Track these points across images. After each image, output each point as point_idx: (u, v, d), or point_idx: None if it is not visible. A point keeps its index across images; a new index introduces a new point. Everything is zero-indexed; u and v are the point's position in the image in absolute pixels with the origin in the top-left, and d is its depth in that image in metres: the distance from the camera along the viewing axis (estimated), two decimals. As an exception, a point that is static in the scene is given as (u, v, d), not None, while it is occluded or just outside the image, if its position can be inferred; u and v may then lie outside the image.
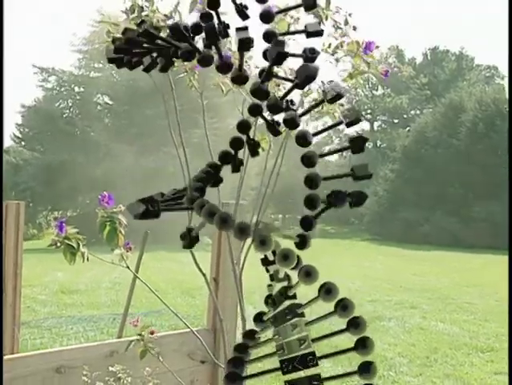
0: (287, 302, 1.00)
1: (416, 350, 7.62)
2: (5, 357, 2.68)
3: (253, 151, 1.02)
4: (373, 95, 51.78)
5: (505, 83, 50.51)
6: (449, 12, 75.28)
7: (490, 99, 35.61)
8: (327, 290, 0.96)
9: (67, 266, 2.39)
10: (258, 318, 1.03)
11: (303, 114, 1.00)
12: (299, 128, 0.97)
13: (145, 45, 0.97)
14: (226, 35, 0.97)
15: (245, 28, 0.94)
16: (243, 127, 0.99)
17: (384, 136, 48.90)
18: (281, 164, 2.28)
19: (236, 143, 0.99)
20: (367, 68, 2.35)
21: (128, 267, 2.38)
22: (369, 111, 51.39)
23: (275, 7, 1.06)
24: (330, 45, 2.34)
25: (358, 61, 2.32)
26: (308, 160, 0.97)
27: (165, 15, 2.29)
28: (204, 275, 2.61)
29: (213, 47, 0.96)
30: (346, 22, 2.36)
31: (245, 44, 0.94)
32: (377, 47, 2.36)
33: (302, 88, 0.99)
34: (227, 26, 0.97)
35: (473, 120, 34.89)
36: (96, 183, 25.95)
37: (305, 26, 1.02)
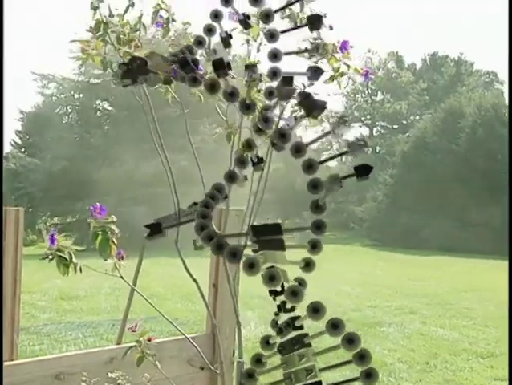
0: (295, 333, 1.01)
1: (416, 356, 7.61)
2: (4, 363, 2.68)
3: (257, 167, 1.04)
4: (372, 101, 51.88)
5: (505, 88, 50.64)
6: (449, 18, 75.51)
7: (489, 104, 35.68)
8: (333, 325, 0.98)
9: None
10: (265, 341, 1.05)
11: (310, 143, 1.02)
12: (307, 156, 1.00)
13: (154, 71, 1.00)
14: (228, 45, 1.00)
15: (254, 65, 0.98)
16: (248, 146, 1.01)
17: (384, 142, 48.96)
18: (268, 171, 2.28)
19: (241, 162, 1.01)
20: (348, 69, 2.37)
21: (121, 277, 2.38)
22: (368, 117, 51.49)
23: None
24: (306, 49, 2.35)
25: (334, 63, 2.35)
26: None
27: (131, 28, 2.33)
28: (195, 281, 2.61)
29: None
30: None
31: (255, 82, 0.97)
32: (351, 47, 2.38)
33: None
34: (230, 37, 1.00)
35: (473, 126, 34.95)
36: (96, 188, 25.96)
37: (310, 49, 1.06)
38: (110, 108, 34.26)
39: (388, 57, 52.48)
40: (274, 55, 1.01)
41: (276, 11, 1.05)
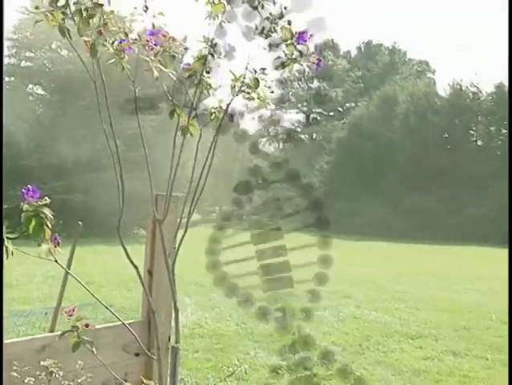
0: (304, 372, 1.06)
1: (350, 339, 7.79)
2: None
3: (261, 187, 1.08)
4: (309, 88, 52.32)
5: (436, 77, 51.98)
6: (386, 10, 76.90)
7: (422, 92, 36.61)
8: (343, 373, 1.02)
9: (-4, 260, 2.33)
10: (275, 370, 1.08)
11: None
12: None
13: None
14: (232, 58, 1.04)
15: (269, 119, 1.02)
16: (254, 172, 1.05)
17: (320, 129, 49.52)
18: (213, 157, 2.28)
19: (247, 188, 1.05)
20: (300, 57, 2.38)
21: (56, 261, 2.32)
22: (305, 104, 51.92)
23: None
24: (263, 29, 2.34)
25: (291, 49, 2.35)
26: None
27: (95, 3, 2.24)
28: (136, 268, 2.60)
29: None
30: (281, 16, 2.38)
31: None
32: (311, 36, 2.39)
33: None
34: (233, 49, 1.03)
35: (406, 113, 35.80)
36: (28, 175, 25.30)
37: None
38: (43, 93, 33.36)
39: (323, 44, 52.94)
40: (281, 83, 1.05)
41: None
